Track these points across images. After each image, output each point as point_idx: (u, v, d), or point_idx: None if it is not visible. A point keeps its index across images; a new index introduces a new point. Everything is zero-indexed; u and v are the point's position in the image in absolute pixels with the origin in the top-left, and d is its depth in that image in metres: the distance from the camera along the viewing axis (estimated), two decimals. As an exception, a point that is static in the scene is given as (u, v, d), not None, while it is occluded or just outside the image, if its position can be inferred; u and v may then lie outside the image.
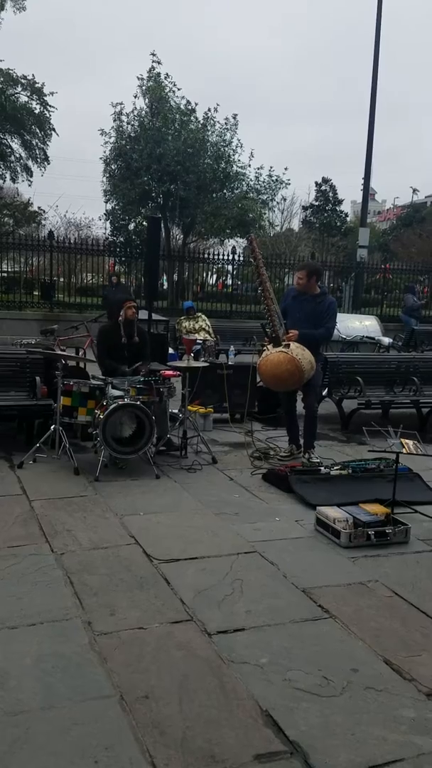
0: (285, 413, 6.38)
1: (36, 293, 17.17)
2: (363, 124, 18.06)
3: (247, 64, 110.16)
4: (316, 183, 38.01)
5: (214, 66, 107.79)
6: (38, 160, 23.61)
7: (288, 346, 5.60)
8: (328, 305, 5.96)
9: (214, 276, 22.39)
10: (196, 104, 18.17)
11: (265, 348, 5.81)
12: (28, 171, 23.92)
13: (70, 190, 59.45)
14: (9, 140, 23.24)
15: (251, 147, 35.65)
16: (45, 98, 22.10)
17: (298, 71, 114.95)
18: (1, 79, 21.33)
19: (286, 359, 5.56)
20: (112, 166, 18.59)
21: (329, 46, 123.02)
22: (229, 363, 8.17)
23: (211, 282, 22.85)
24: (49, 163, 23.73)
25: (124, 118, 18.24)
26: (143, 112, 18.22)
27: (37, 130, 22.93)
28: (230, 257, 17.46)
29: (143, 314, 8.28)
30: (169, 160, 17.15)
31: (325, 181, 38.09)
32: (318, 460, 5.86)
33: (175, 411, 6.47)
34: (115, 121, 18.25)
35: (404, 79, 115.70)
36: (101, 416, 5.40)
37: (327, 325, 5.92)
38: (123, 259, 18.71)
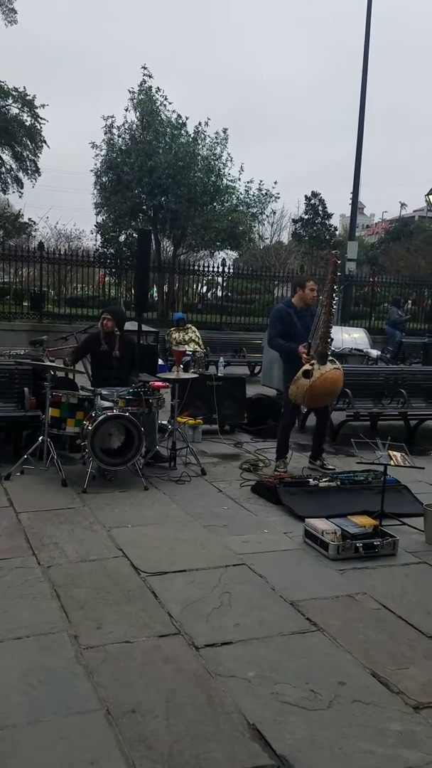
0: (289, 425, 6.22)
1: (25, 304, 17.12)
2: (353, 139, 18.13)
3: (251, 85, 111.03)
4: (306, 197, 38.29)
5: (219, 86, 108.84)
6: (29, 171, 23.67)
7: (334, 362, 5.70)
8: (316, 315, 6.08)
9: (204, 288, 22.43)
10: (187, 118, 18.25)
11: (313, 367, 5.55)
12: (19, 182, 23.97)
13: (63, 202, 59.55)
14: (0, 151, 23.33)
15: (255, 164, 35.92)
16: (36, 110, 22.23)
17: (303, 91, 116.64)
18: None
19: (341, 375, 5.77)
20: (103, 179, 18.62)
21: (337, 64, 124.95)
22: (219, 374, 8.19)
23: (201, 292, 22.89)
24: (39, 175, 23.83)
25: (115, 131, 18.32)
26: (134, 126, 18.31)
27: (28, 142, 23.02)
28: (220, 269, 17.52)
29: (133, 326, 8.30)
30: (160, 173, 17.21)
31: (315, 195, 38.40)
32: (333, 467, 6.14)
33: (164, 422, 6.46)
34: (106, 134, 18.33)
35: (398, 94, 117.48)
36: (90, 427, 5.38)
37: None
38: (113, 270, 18.71)
